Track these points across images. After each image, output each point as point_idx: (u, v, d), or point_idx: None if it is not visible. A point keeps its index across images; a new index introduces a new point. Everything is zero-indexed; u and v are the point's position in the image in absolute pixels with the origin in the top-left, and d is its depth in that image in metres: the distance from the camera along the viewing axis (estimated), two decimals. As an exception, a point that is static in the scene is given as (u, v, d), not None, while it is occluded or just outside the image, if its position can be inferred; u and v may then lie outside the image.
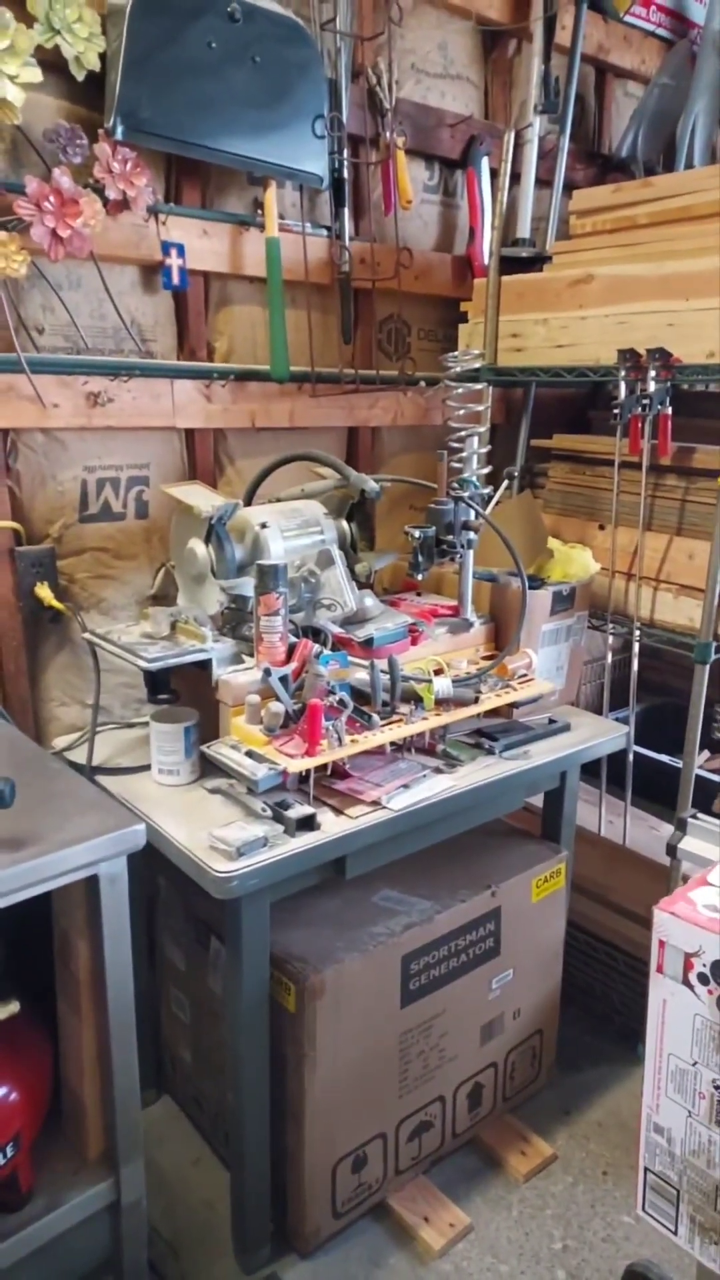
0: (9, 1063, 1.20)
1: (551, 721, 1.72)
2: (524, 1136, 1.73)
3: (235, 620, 1.52)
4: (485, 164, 2.18)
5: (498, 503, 1.86)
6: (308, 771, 1.37)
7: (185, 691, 1.53)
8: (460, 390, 1.74)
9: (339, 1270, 1.50)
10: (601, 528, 2.00)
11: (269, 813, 1.33)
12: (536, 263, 2.13)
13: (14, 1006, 1.18)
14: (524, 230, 2.23)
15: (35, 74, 1.43)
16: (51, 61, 1.48)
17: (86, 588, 1.75)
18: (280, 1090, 1.45)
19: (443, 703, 1.51)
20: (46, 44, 1.46)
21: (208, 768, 1.46)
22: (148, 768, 1.49)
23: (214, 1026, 1.60)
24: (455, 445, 1.70)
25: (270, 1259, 1.51)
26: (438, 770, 1.50)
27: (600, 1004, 2.03)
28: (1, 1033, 1.17)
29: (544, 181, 2.27)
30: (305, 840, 1.30)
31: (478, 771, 1.53)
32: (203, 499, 1.56)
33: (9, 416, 1.57)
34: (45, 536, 1.69)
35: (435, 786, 1.45)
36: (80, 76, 1.53)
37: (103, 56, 1.54)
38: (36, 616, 1.68)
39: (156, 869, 1.64)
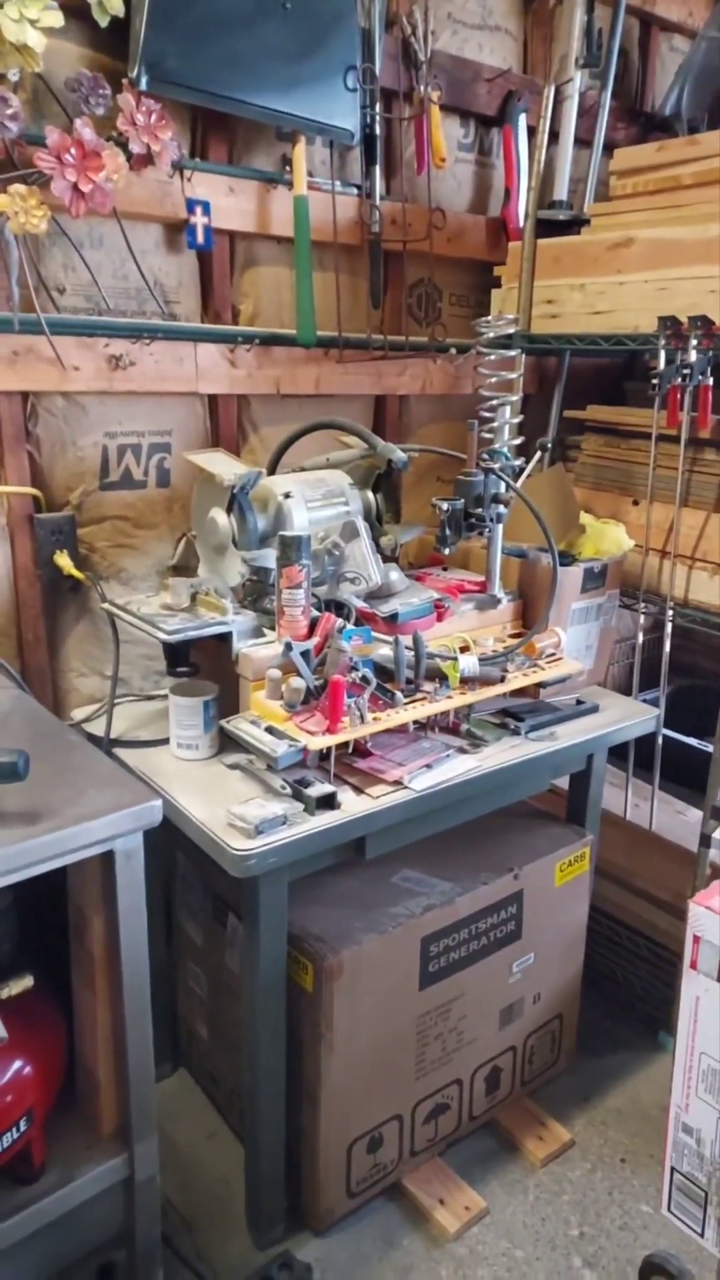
0: (23, 1037, 1.18)
1: (579, 702, 1.67)
2: (542, 1121, 1.71)
3: (257, 592, 1.48)
4: (523, 121, 2.09)
5: (529, 475, 1.80)
6: (329, 749, 1.33)
7: (206, 665, 1.50)
8: (492, 357, 1.67)
9: (352, 1249, 1.49)
10: (636, 503, 1.94)
11: (288, 790, 1.29)
12: (574, 226, 2.05)
13: (28, 981, 1.17)
14: (561, 192, 2.14)
15: (56, 18, 1.37)
16: (74, 6, 1.42)
17: (106, 557, 1.72)
18: (296, 1069, 1.43)
19: (468, 681, 1.47)
20: (69, -13, 1.41)
21: (227, 743, 1.43)
22: (166, 741, 1.46)
23: (231, 1003, 1.58)
24: (486, 415, 1.64)
25: (284, 1236, 1.50)
26: (461, 750, 1.46)
27: (622, 990, 2.00)
28: (15, 1007, 1.15)
29: (584, 141, 2.18)
30: (325, 819, 1.27)
31: (502, 752, 1.49)
32: (225, 467, 1.51)
33: (29, 379, 1.53)
34: (65, 504, 1.65)
35: (459, 767, 1.41)
36: (104, 23, 1.46)
37: (127, 2, 1.47)
38: (56, 585, 1.65)
39: (175, 844, 1.62)
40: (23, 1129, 1.17)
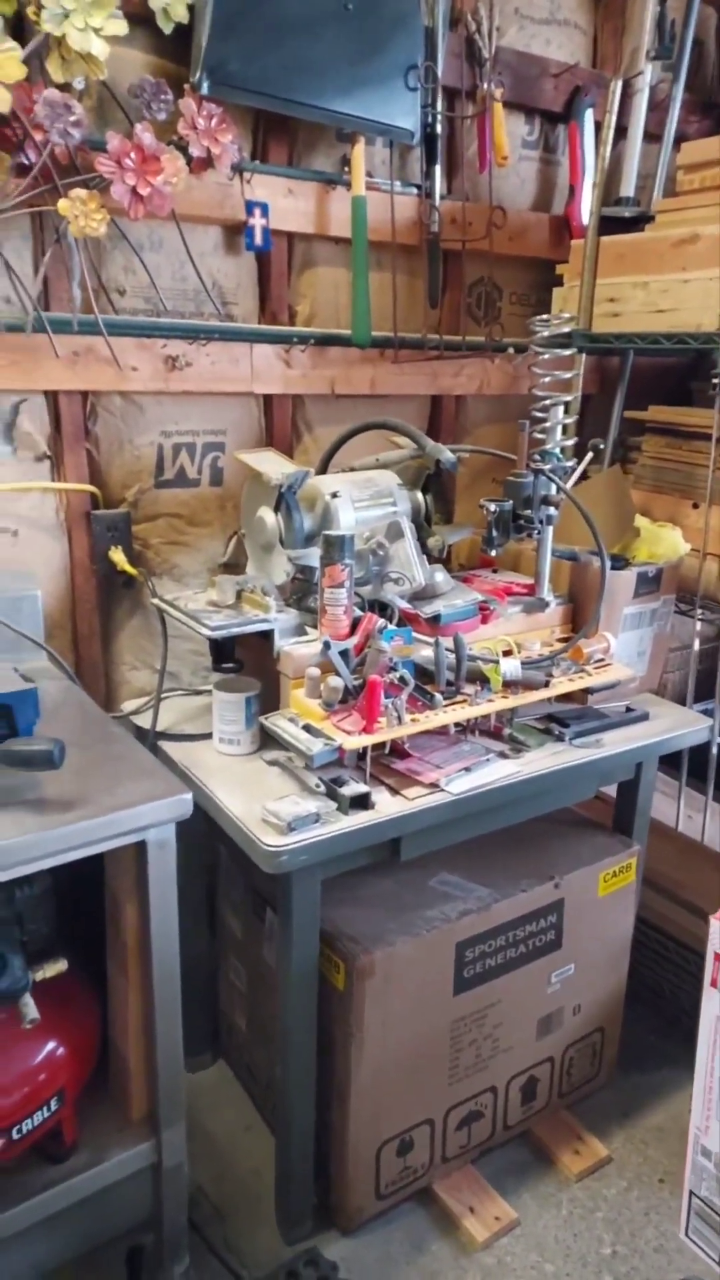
0: (57, 1019, 1.22)
1: (629, 710, 1.63)
2: (579, 1135, 1.68)
3: (301, 591, 1.49)
4: (589, 117, 2.05)
5: (583, 476, 1.76)
6: (365, 749, 1.33)
7: (250, 661, 1.52)
8: (548, 356, 1.65)
9: (379, 1250, 1.49)
10: (696, 506, 1.88)
11: (323, 789, 1.30)
12: (639, 223, 2.00)
13: (62, 965, 1.20)
14: (628, 188, 2.09)
15: (121, 26, 1.39)
16: (138, 14, 1.45)
17: (160, 553, 1.75)
18: (327, 1067, 1.44)
19: (511, 685, 1.45)
20: (134, -4, 1.44)
21: (269, 739, 1.44)
22: (210, 736, 1.48)
23: (268, 997, 1.59)
24: (539, 415, 1.61)
25: (312, 1232, 1.51)
26: (502, 755, 1.45)
27: (669, 1005, 1.94)
28: (50, 990, 1.19)
29: (653, 135, 2.12)
30: (358, 819, 1.27)
31: (545, 758, 1.46)
32: (274, 466, 1.52)
33: (89, 379, 1.57)
34: (121, 501, 1.69)
35: (498, 771, 1.39)
36: (168, 30, 1.49)
37: (191, 8, 1.49)
38: (110, 580, 1.69)
39: (217, 837, 1.64)
40: (54, 1108, 1.21)
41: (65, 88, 1.38)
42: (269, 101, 1.61)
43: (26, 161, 1.38)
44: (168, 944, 1.19)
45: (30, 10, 1.31)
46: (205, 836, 1.58)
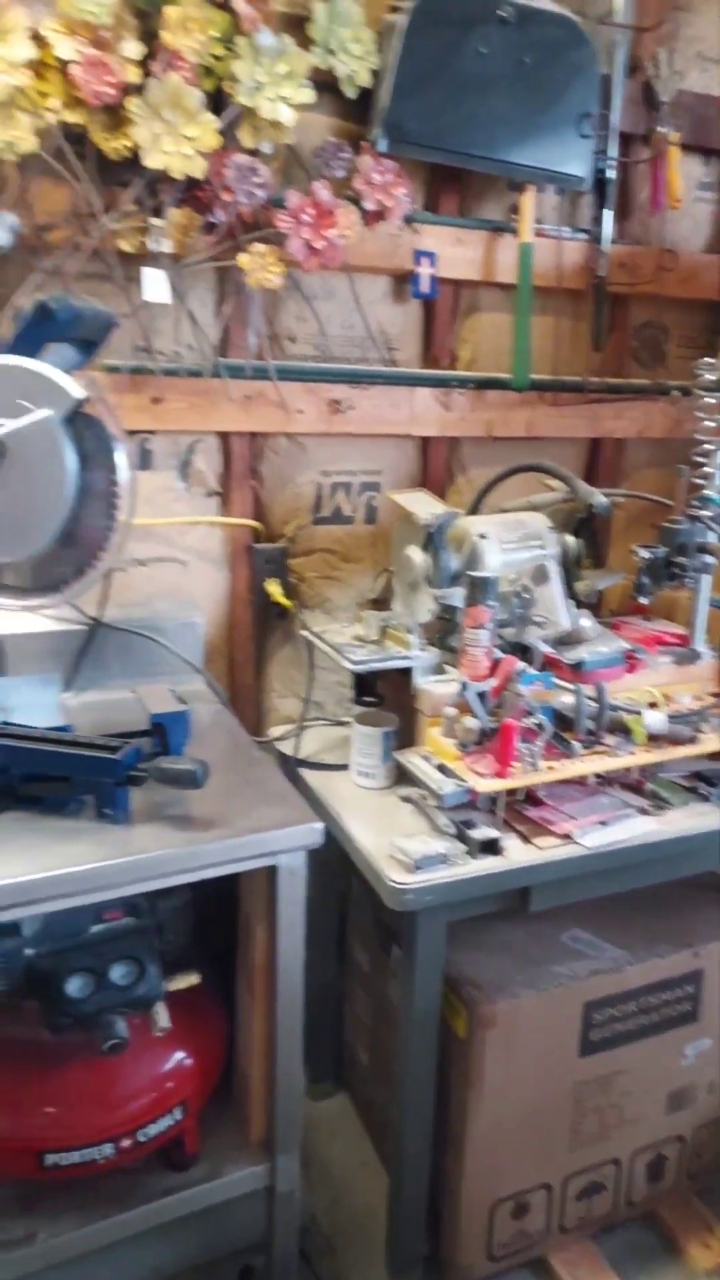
0: (186, 1031, 1.27)
1: (788, 774, 1.53)
2: (709, 1226, 1.57)
3: (444, 630, 1.50)
4: (774, 156, 1.98)
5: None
6: (498, 793, 1.32)
7: (391, 697, 1.54)
8: (711, 400, 1.59)
9: (488, 1314, 1.44)
10: None
11: (452, 830, 1.30)
12: None
13: (194, 978, 1.25)
14: None
15: (308, 95, 1.48)
16: (324, 81, 1.53)
17: (313, 586, 1.81)
18: (445, 1114, 1.42)
19: (655, 738, 1.40)
20: (321, 65, 1.52)
21: (404, 774, 1.46)
22: (348, 766, 1.51)
23: (390, 1033, 1.60)
24: (699, 459, 1.56)
25: (420, 1282, 1.49)
26: (642, 811, 1.39)
27: None
28: (182, 1002, 1.24)
29: None
30: (487, 864, 1.26)
31: (689, 819, 1.40)
32: (424, 506, 1.55)
33: (258, 421, 1.66)
34: (280, 536, 1.77)
35: (637, 828, 1.35)
36: (351, 94, 1.57)
37: (375, 73, 1.57)
38: (266, 610, 1.77)
39: (350, 868, 1.67)
40: (178, 1117, 1.26)
41: (254, 152, 1.48)
42: (443, 155, 1.66)
43: (214, 220, 1.49)
44: (293, 968, 1.22)
45: (227, 85, 1.42)
46: (339, 866, 1.61)
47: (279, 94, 1.45)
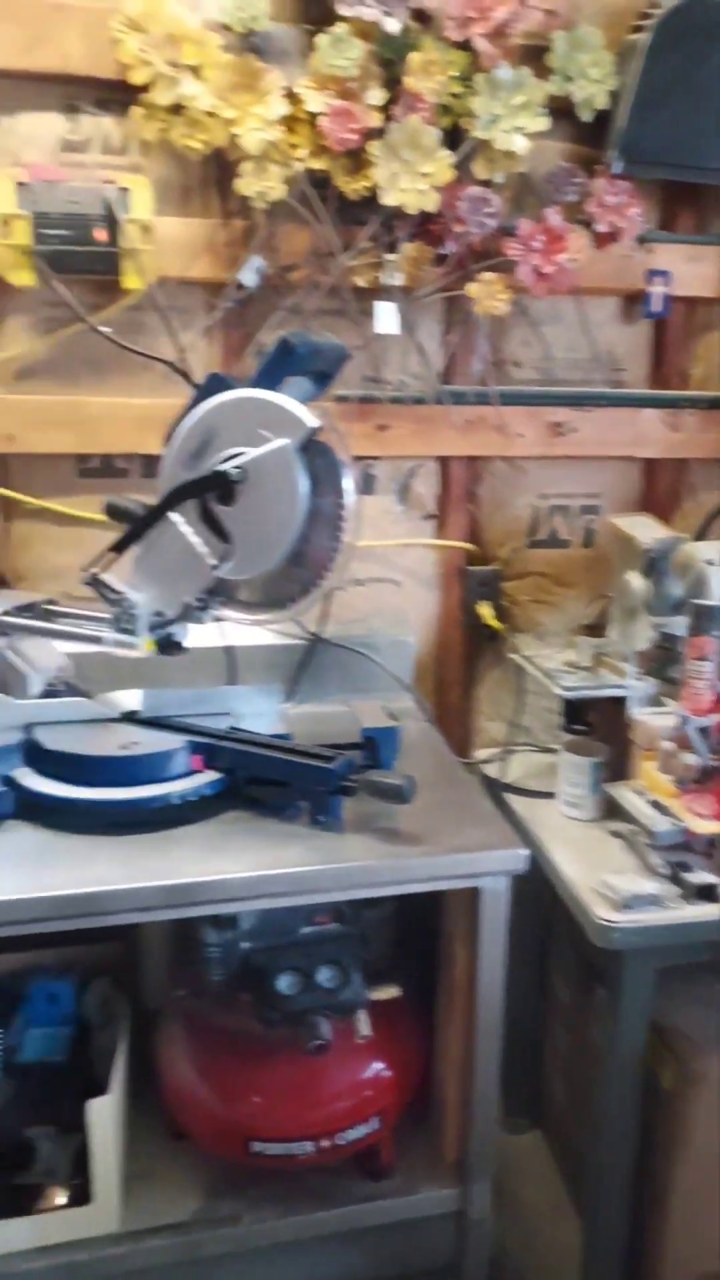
0: (385, 1043, 1.29)
1: None
2: None
3: (663, 660, 1.44)
4: None
5: None
6: (718, 836, 1.25)
7: (602, 726, 1.50)
8: None
9: None
10: None
11: (666, 871, 1.24)
12: None
13: (395, 991, 1.28)
14: None
15: (543, 123, 1.49)
16: (558, 108, 1.54)
17: (526, 610, 1.80)
18: (647, 1170, 1.35)
19: None
20: (558, 92, 1.52)
21: (613, 807, 1.41)
22: (554, 795, 1.49)
23: (590, 1074, 1.53)
24: None
25: (614, 1345, 1.41)
26: None
27: None
28: (383, 1015, 1.27)
29: None
30: (703, 910, 1.19)
31: None
32: (646, 531, 1.50)
33: (478, 445, 1.69)
34: (494, 558, 1.77)
35: None
36: (587, 118, 1.56)
37: (613, 94, 1.55)
38: (476, 633, 1.78)
39: (552, 898, 1.63)
40: (375, 1126, 1.28)
41: (487, 183, 1.51)
42: (681, 172, 1.62)
43: (445, 252, 1.53)
44: (493, 993, 1.21)
45: (463, 120, 1.46)
46: (542, 895, 1.58)
47: (514, 125, 1.47)
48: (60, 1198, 1.22)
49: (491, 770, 1.62)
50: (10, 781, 1.21)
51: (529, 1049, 1.77)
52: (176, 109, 1.38)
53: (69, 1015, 1.36)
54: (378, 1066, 1.28)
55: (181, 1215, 1.25)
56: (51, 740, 1.23)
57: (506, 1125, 1.77)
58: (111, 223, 1.42)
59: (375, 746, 1.28)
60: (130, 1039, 1.32)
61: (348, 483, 1.14)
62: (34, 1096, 1.24)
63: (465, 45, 1.41)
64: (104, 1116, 1.18)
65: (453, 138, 1.47)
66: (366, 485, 1.69)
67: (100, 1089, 1.20)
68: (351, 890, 1.15)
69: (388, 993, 1.26)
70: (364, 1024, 1.23)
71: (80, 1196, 1.21)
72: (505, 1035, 1.24)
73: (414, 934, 1.33)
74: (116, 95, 1.44)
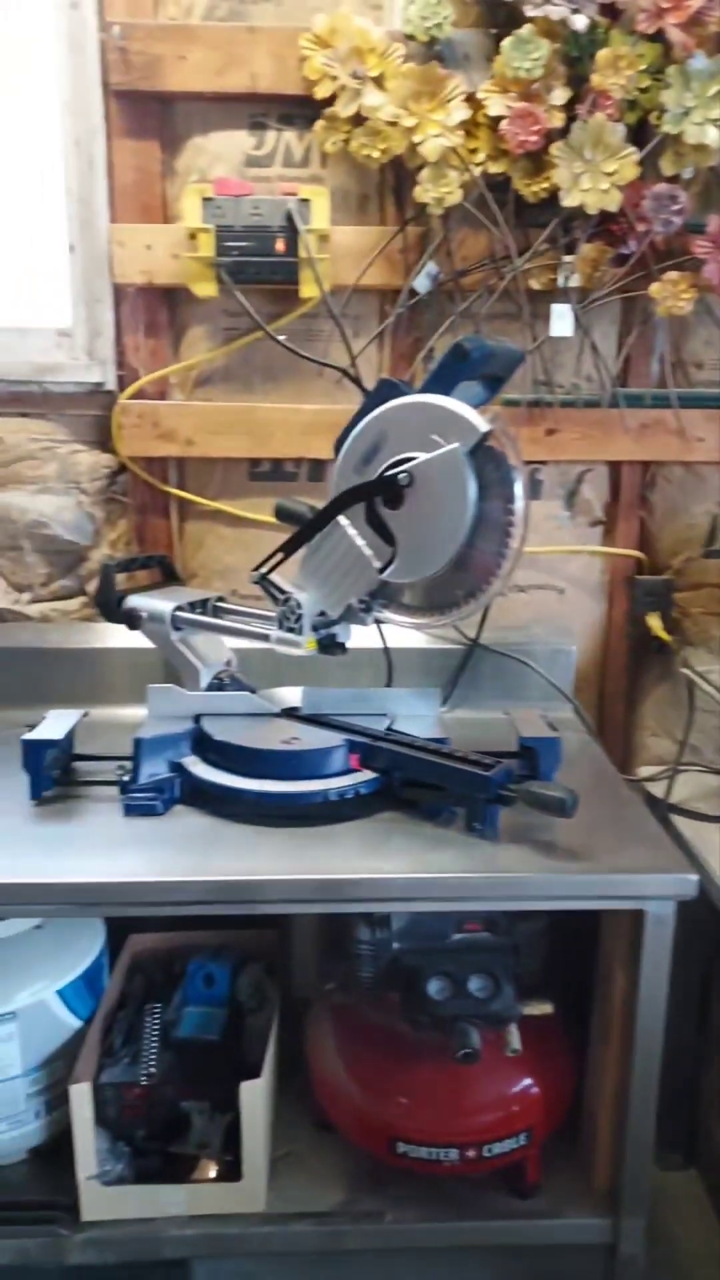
0: (535, 1060, 1.27)
1: None
2: None
3: None
4: None
5: None
6: None
7: (782, 749, 1.41)
8: None
9: None
10: None
11: None
12: None
13: (548, 1007, 1.25)
14: None
15: (741, 111, 1.42)
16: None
17: (698, 623, 1.72)
18: None
19: None
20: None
21: None
22: (725, 819, 1.41)
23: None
24: None
25: None
26: None
27: None
28: (533, 1032, 1.24)
29: None
30: None
31: None
32: None
33: (652, 449, 1.63)
34: (666, 568, 1.70)
35: None
36: None
37: None
38: (643, 645, 1.71)
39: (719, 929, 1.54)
40: (522, 1142, 1.26)
41: (673, 179, 1.45)
42: None
43: (626, 252, 1.49)
44: (653, 1022, 1.16)
45: (653, 116, 1.41)
46: (708, 924, 1.50)
47: (707, 116, 1.40)
48: (211, 1171, 1.27)
49: (656, 789, 1.55)
50: (180, 768, 1.27)
51: (686, 1083, 1.68)
52: (358, 120, 1.41)
53: (223, 997, 1.41)
54: (526, 1082, 1.26)
55: (325, 1205, 1.27)
56: (218, 731, 1.28)
57: (659, 1160, 1.69)
58: (291, 233, 1.47)
59: (535, 756, 1.26)
60: (279, 1025, 1.35)
61: (518, 489, 1.13)
62: (189, 1071, 1.29)
63: (656, 37, 1.36)
64: (255, 1099, 1.22)
65: (638, 134, 1.42)
66: (533, 490, 1.66)
67: (251, 1071, 1.23)
68: (506, 902, 1.13)
69: (540, 1008, 1.24)
70: (515, 1038, 1.21)
71: (229, 1173, 1.25)
72: (662, 1065, 1.19)
73: (568, 950, 1.30)
74: (300, 110, 1.49)
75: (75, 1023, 1.32)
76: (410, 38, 1.39)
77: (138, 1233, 1.23)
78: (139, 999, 1.42)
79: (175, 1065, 1.29)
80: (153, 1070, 1.26)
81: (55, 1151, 1.30)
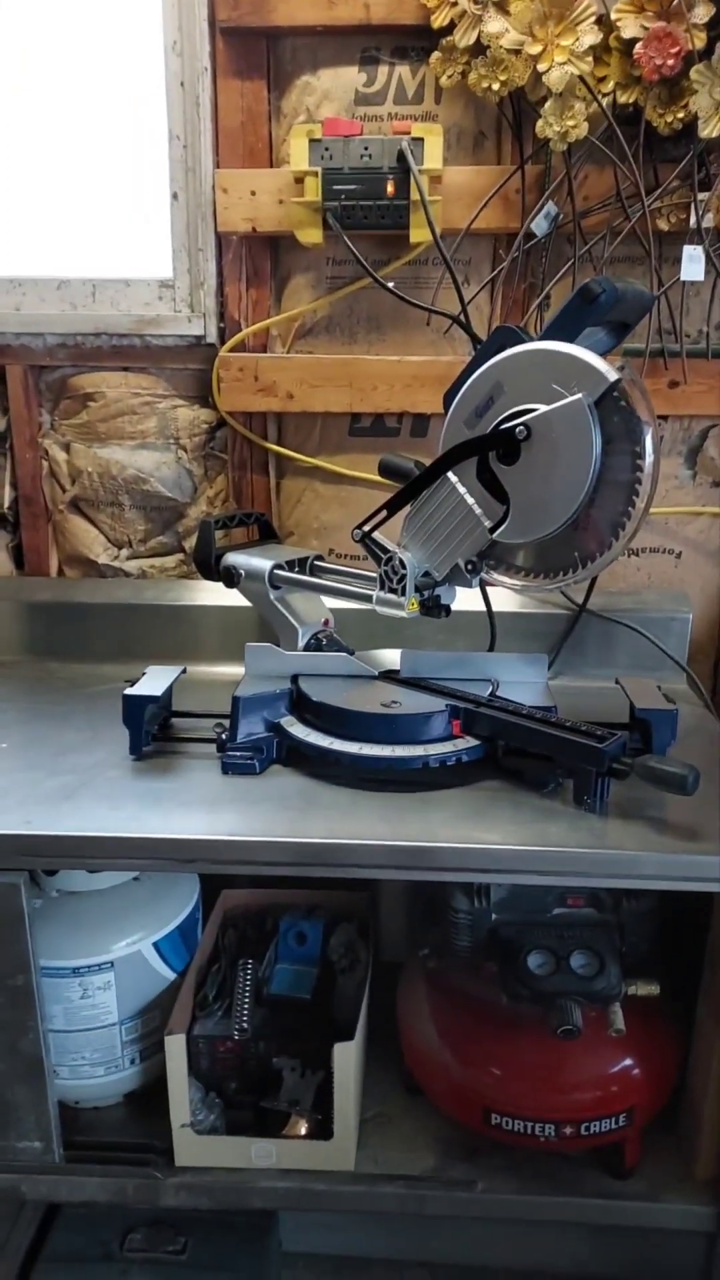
0: (638, 1041, 1.22)
1: None
2: None
3: None
4: None
5: None
6: None
7: None
8: None
9: None
10: None
11: None
12: None
13: (654, 988, 1.20)
14: None
15: None
16: None
17: None
18: None
19: None
20: None
21: None
22: None
23: None
24: None
25: None
26: None
27: None
28: (638, 1012, 1.20)
29: None
30: None
31: None
32: None
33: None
34: None
35: None
36: None
37: None
38: (764, 614, 1.62)
39: None
40: (621, 1123, 1.22)
41: None
42: None
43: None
44: (766, 1011, 1.11)
45: None
46: None
47: None
48: (302, 1128, 1.27)
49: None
50: (277, 728, 1.25)
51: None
52: (477, 49, 1.33)
53: (315, 956, 1.40)
54: (628, 1063, 1.22)
55: (415, 1169, 1.26)
56: (317, 692, 1.26)
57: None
58: (402, 174, 1.40)
59: (649, 729, 1.19)
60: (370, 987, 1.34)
61: (648, 444, 1.05)
62: (281, 1028, 1.29)
63: None
64: (348, 1060, 1.21)
65: (790, 53, 1.30)
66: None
67: (342, 1031, 1.23)
68: (615, 880, 1.08)
69: (647, 989, 1.19)
70: (619, 1018, 1.16)
71: (320, 1131, 1.25)
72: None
73: (677, 930, 1.24)
74: (415, 41, 1.41)
75: (170, 974, 1.34)
76: (538, -45, 1.30)
77: (229, 1181, 1.24)
78: (231, 954, 1.42)
79: (267, 1021, 1.29)
80: (245, 1025, 1.27)
81: (148, 1098, 1.33)
